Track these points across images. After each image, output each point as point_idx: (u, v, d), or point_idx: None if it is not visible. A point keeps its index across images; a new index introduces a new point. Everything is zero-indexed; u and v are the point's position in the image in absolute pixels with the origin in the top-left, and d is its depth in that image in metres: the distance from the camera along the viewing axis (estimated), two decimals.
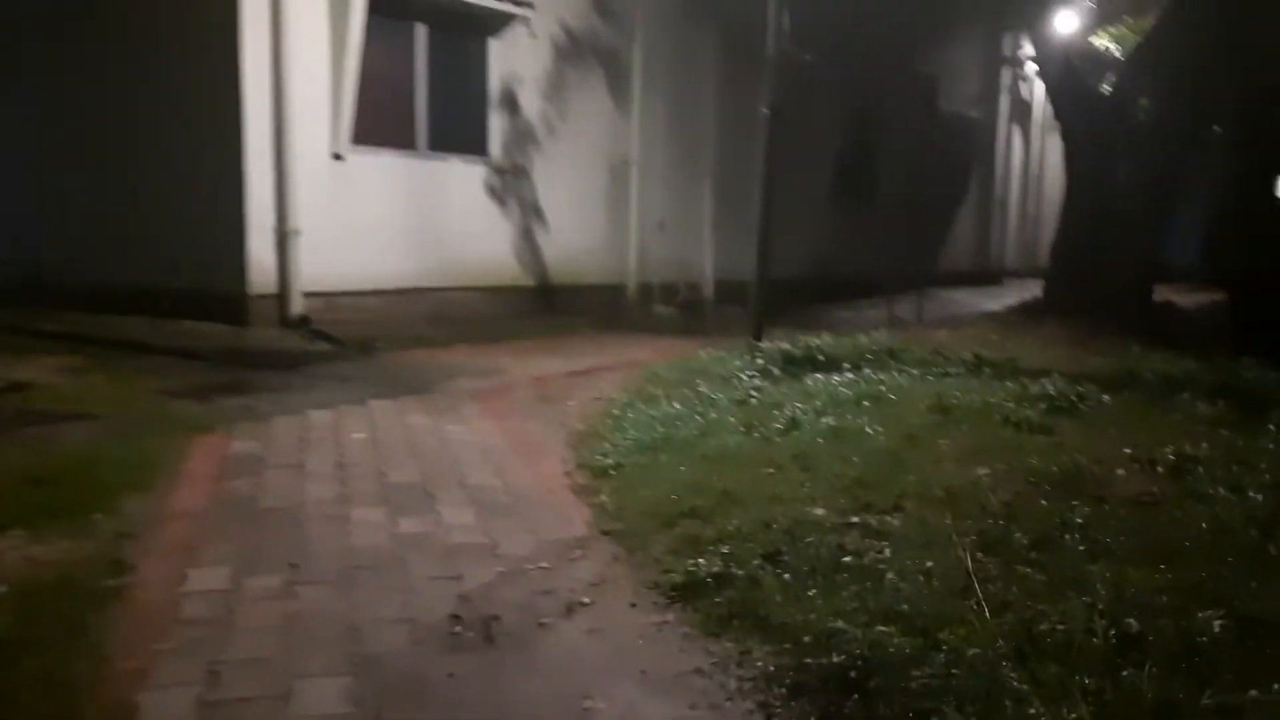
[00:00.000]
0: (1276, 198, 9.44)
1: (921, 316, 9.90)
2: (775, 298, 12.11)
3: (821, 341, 5.97)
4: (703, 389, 5.07)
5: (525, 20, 9.04)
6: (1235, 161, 9.30)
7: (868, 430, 3.86)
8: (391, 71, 8.30)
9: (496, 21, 8.94)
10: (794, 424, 4.10)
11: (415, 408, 5.47)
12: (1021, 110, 18.45)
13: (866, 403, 4.30)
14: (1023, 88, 18.40)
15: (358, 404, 5.48)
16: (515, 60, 9.09)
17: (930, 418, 4.03)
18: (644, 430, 4.51)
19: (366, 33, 7.68)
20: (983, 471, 3.33)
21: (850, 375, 4.86)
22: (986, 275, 17.49)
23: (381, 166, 8.16)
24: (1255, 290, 8.54)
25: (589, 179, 9.99)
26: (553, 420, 5.30)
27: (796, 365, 5.25)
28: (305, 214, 7.50)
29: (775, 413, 4.32)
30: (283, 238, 7.42)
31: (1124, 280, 8.24)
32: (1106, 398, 4.31)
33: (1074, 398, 4.24)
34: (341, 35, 7.59)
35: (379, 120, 8.17)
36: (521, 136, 9.23)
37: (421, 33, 8.46)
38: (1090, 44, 15.28)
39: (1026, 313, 8.40)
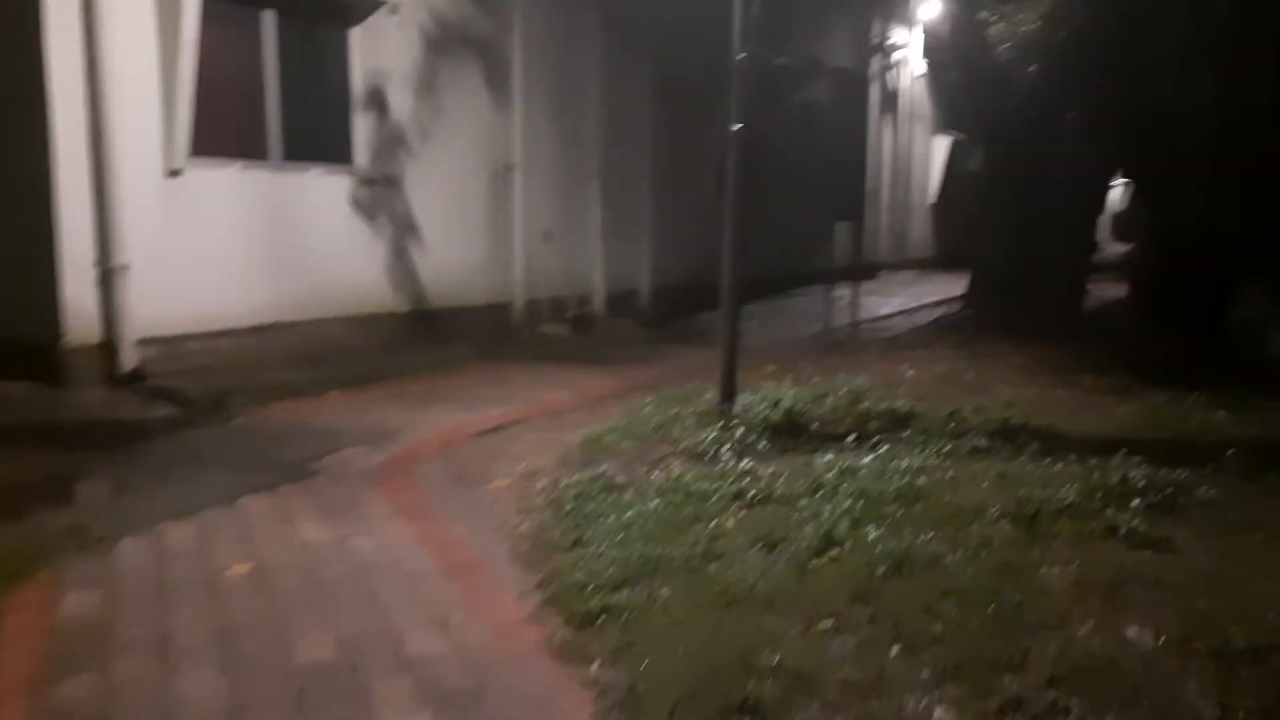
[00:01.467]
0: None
1: (857, 330, 9.22)
2: (663, 308, 11.29)
3: (801, 396, 5.07)
4: (676, 470, 4.11)
5: (392, 7, 7.79)
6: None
7: (943, 556, 3.00)
8: (236, 69, 6.93)
9: (358, 8, 7.66)
10: (830, 539, 3.20)
11: (303, 506, 4.29)
12: (889, 99, 18.21)
13: (916, 505, 3.44)
14: (889, 76, 18.17)
15: (226, 505, 4.26)
16: (381, 53, 7.83)
17: (1012, 530, 3.22)
18: (620, 541, 3.52)
19: (203, 23, 6.31)
20: (1139, 632, 2.54)
21: (866, 455, 4.00)
22: (862, 270, 17.15)
23: (228, 182, 6.80)
24: (1155, 282, 8.24)
25: (468, 187, 8.84)
26: (485, 516, 4.21)
27: (786, 436, 4.34)
28: (135, 244, 6.10)
29: (793, 516, 3.42)
30: (107, 274, 5.99)
31: (1059, 287, 7.78)
32: (1207, 489, 3.60)
33: (1168, 490, 3.52)
34: (173, 27, 6.20)
35: (223, 127, 6.79)
36: (391, 141, 8.00)
37: (270, 22, 7.09)
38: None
39: (962, 327, 7.81)
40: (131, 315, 6.08)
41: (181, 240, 6.48)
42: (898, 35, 17.96)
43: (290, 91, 7.21)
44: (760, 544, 3.28)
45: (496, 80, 8.95)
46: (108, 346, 6.03)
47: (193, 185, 6.50)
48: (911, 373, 5.95)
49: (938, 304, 12.74)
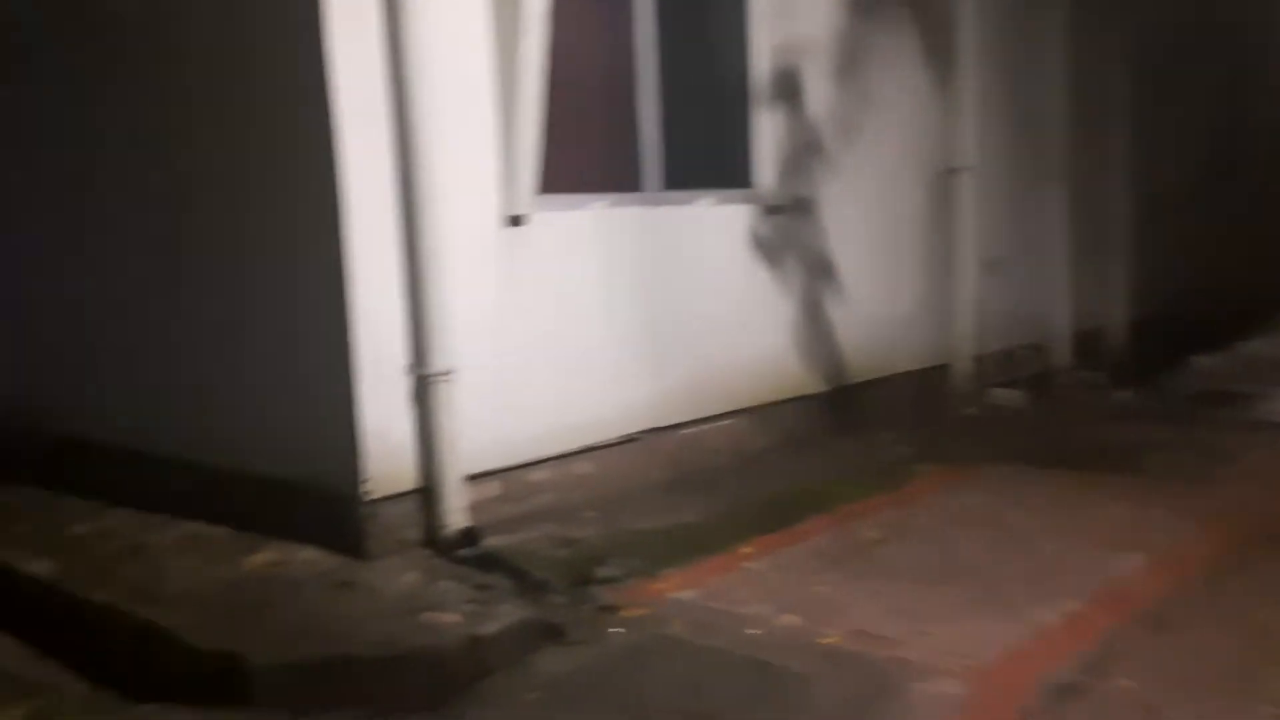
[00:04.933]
0: None
1: None
2: (1139, 353, 8.09)
3: None
4: None
5: None
6: None
7: None
8: (598, 60, 4.72)
9: None
10: None
11: None
12: None
13: None
14: None
15: None
16: (793, 19, 5.37)
17: None
18: None
19: None
20: None
21: None
22: None
23: (588, 227, 4.59)
24: None
25: (898, 205, 6.22)
26: None
27: None
28: (462, 334, 4.00)
29: None
30: (423, 385, 3.93)
31: None
32: None
33: None
34: (511, 4, 4.04)
35: (582, 148, 4.62)
36: (804, 149, 5.52)
37: None
38: None
39: None
40: (458, 444, 3.98)
41: (524, 319, 4.33)
42: None
43: (672, 88, 4.89)
44: None
45: (937, 51, 6.25)
46: (426, 494, 3.97)
47: (539, 237, 4.34)
48: None
49: None
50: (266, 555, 3.97)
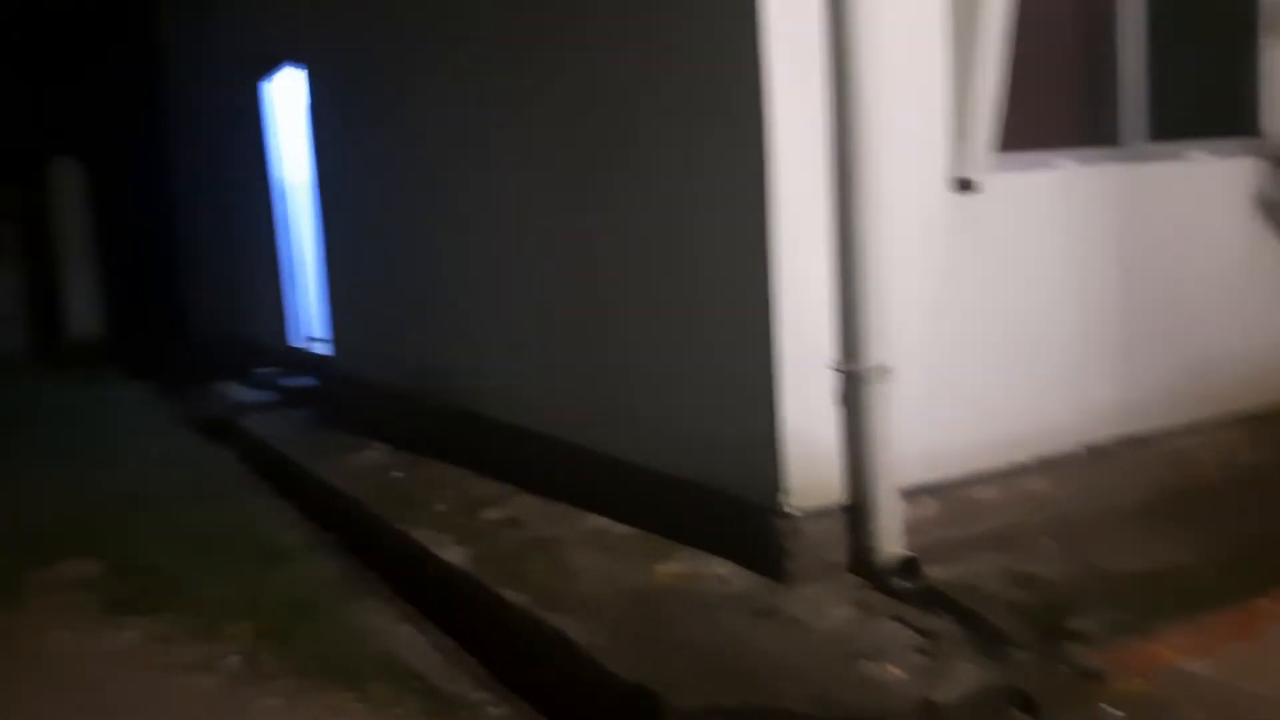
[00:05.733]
0: None
1: None
2: None
3: None
4: None
5: None
6: None
7: None
8: None
9: None
10: None
11: None
12: None
13: None
14: None
15: None
16: None
17: None
18: None
19: None
20: None
21: None
22: None
23: (1050, 191, 3.75)
24: None
25: None
26: None
27: None
28: (899, 325, 3.37)
29: None
30: (853, 383, 3.35)
31: None
32: None
33: None
34: None
35: (1048, 91, 3.79)
36: None
37: None
38: None
39: None
40: (892, 453, 3.36)
41: (967, 303, 3.61)
42: None
43: (1159, 15, 3.89)
44: None
45: None
46: (854, 511, 3.40)
47: (992, 205, 3.58)
48: None
49: None
50: (676, 565, 3.61)
